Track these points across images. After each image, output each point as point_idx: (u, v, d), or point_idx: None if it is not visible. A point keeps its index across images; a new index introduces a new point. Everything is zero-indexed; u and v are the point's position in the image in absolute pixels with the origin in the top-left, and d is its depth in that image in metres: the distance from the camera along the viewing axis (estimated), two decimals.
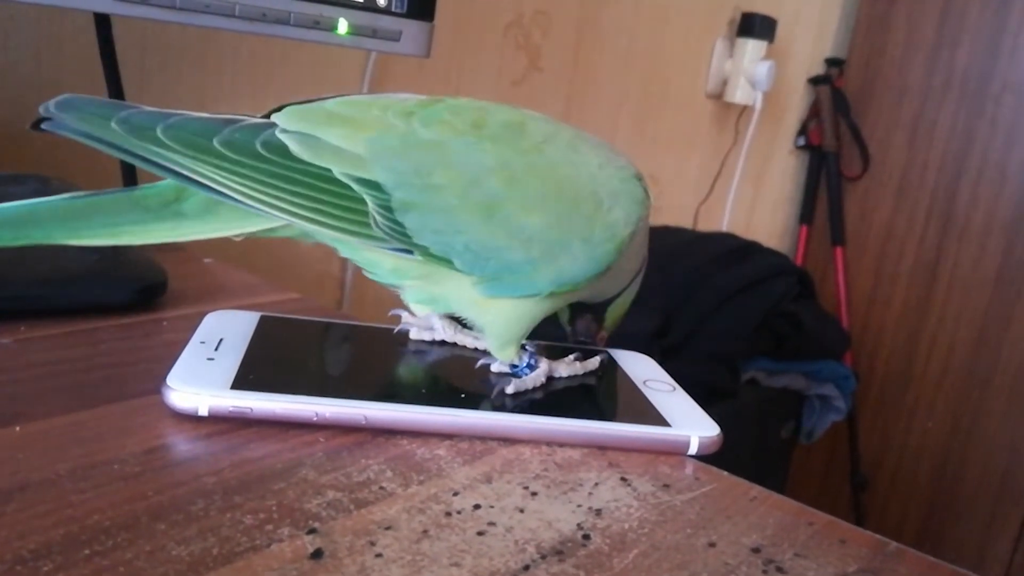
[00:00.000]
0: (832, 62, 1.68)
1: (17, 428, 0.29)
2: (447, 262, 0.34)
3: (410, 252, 0.33)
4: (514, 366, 0.37)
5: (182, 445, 0.29)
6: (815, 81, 1.66)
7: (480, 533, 0.27)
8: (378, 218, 0.32)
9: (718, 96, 1.45)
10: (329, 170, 0.32)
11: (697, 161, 1.47)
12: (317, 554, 0.24)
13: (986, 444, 1.55)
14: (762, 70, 1.37)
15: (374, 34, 0.47)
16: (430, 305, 0.37)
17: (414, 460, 0.31)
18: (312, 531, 0.25)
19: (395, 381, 0.36)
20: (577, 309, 0.42)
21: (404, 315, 0.41)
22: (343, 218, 0.32)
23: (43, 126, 0.31)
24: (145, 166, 0.31)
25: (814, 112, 1.68)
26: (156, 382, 0.33)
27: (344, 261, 0.92)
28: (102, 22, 0.51)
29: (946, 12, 1.56)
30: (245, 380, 0.32)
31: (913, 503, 1.65)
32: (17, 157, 0.64)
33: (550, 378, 0.38)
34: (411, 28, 0.48)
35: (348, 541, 0.25)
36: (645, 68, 1.27)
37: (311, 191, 0.32)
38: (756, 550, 0.28)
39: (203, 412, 0.30)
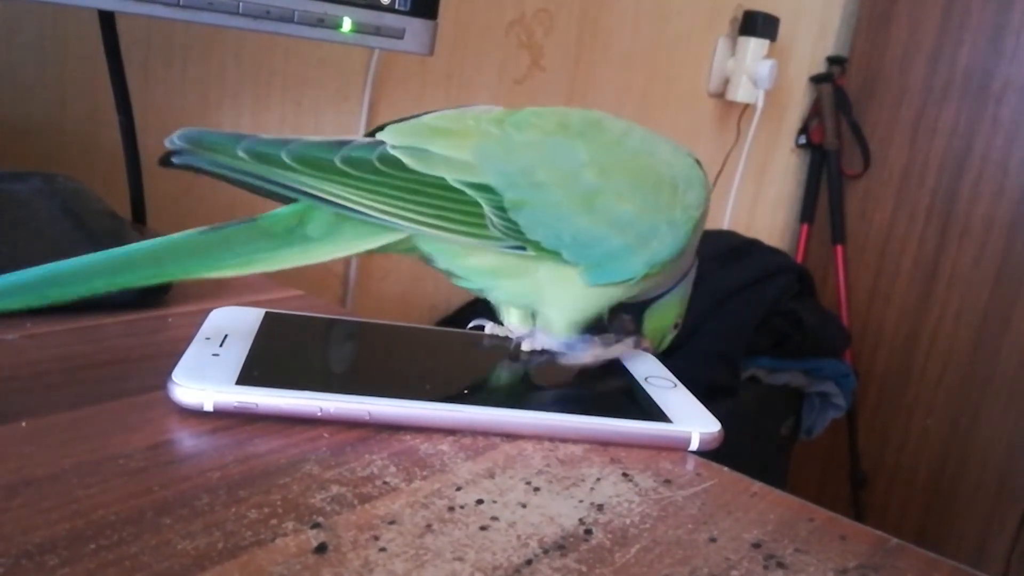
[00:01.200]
0: (834, 60, 1.68)
1: (23, 423, 0.29)
2: (556, 254, 0.36)
3: (523, 248, 0.35)
4: (567, 344, 0.39)
5: (187, 441, 0.29)
6: (817, 79, 1.66)
7: (483, 528, 0.27)
8: (494, 219, 0.34)
9: (720, 94, 1.45)
10: (443, 179, 0.34)
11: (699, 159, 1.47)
12: (321, 548, 0.24)
13: (985, 442, 1.55)
14: (764, 69, 1.37)
15: (377, 32, 0.47)
16: (516, 300, 0.38)
17: (417, 455, 0.31)
18: (316, 526, 0.26)
19: (399, 377, 0.36)
20: (613, 309, 0.43)
21: (488, 326, 0.42)
22: (463, 221, 0.34)
23: (174, 160, 0.32)
24: (274, 189, 0.33)
25: (815, 111, 1.68)
26: (161, 378, 0.33)
27: (348, 259, 0.92)
28: (106, 20, 0.51)
29: (948, 11, 1.56)
30: (250, 376, 0.32)
31: (912, 500, 1.65)
32: (21, 154, 0.64)
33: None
34: (414, 26, 0.48)
35: (352, 535, 0.25)
36: (647, 66, 1.27)
37: (430, 199, 0.34)
38: (757, 545, 0.28)
39: (208, 408, 0.31)
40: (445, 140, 0.35)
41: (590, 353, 0.39)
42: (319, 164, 0.33)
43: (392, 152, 0.34)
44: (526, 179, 0.35)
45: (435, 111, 0.38)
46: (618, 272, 0.37)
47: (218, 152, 0.33)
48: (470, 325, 0.42)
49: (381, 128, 0.36)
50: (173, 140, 0.32)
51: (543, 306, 0.38)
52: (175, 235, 0.33)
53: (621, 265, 0.37)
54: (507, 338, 0.41)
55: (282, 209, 0.35)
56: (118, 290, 0.32)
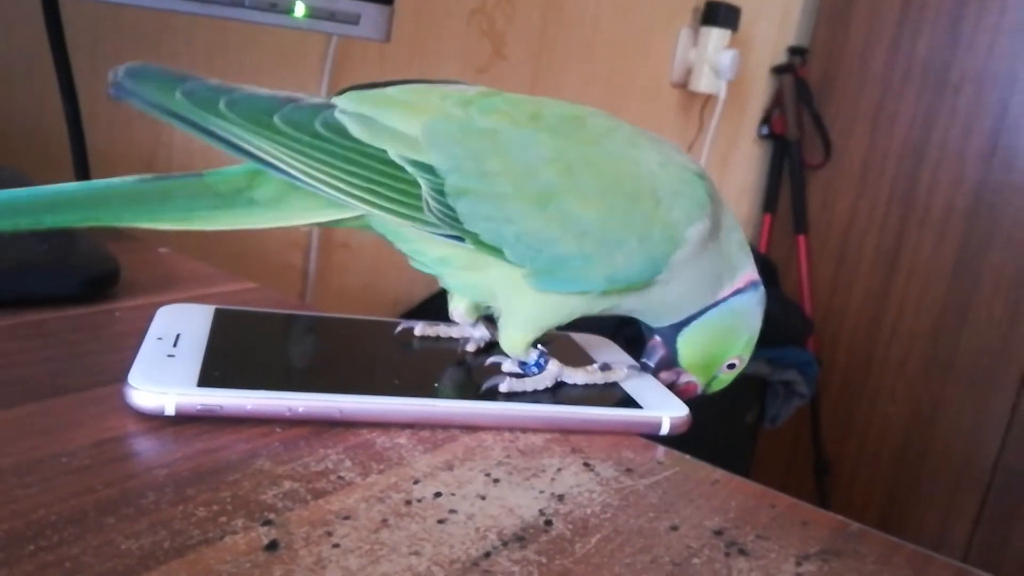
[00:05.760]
0: (795, 51, 1.69)
1: None
2: (497, 251, 0.33)
3: (460, 239, 0.33)
4: (524, 364, 0.36)
5: (133, 438, 0.29)
6: (778, 70, 1.67)
7: (441, 521, 0.26)
8: (431, 202, 0.32)
9: (683, 85, 1.45)
10: (384, 151, 0.32)
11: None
12: (272, 546, 0.24)
13: (946, 429, 1.58)
14: (726, 59, 1.38)
15: (332, 17, 0.46)
16: (469, 293, 0.36)
17: (374, 449, 0.30)
18: (267, 522, 0.25)
19: (363, 372, 0.35)
20: (647, 331, 0.39)
21: (418, 326, 0.40)
22: (396, 200, 0.32)
23: (109, 91, 0.31)
24: (207, 138, 0.31)
25: (777, 101, 1.69)
26: (107, 375, 0.32)
27: (307, 252, 0.91)
28: (50, 5, 0.49)
29: (907, 2, 1.57)
30: (211, 376, 0.31)
31: (875, 487, 1.67)
32: None
33: (560, 383, 0.36)
34: (370, 11, 0.47)
35: (304, 532, 0.25)
36: (610, 57, 1.27)
37: (366, 171, 0.32)
38: (719, 532, 0.28)
39: (170, 411, 0.29)
40: (399, 112, 0.33)
41: (534, 380, 0.35)
42: (257, 119, 0.31)
43: (338, 117, 0.32)
44: (474, 166, 0.32)
45: (410, 82, 0.35)
46: (570, 282, 0.34)
47: (157, 91, 0.31)
48: (398, 329, 0.39)
49: (345, 90, 0.34)
50: (117, 72, 0.31)
51: (497, 310, 0.36)
52: (114, 179, 0.32)
53: (574, 274, 0.33)
54: (438, 338, 0.40)
55: (233, 168, 0.33)
56: (44, 229, 0.31)
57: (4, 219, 0.30)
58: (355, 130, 0.32)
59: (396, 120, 0.32)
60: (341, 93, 0.34)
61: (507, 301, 0.35)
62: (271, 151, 0.31)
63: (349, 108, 0.32)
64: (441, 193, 0.32)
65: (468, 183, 0.32)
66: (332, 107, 0.32)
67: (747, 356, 0.38)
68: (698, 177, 0.35)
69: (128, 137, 0.73)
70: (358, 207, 0.32)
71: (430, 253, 0.35)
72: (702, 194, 0.35)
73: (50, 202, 0.31)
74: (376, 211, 0.32)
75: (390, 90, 0.34)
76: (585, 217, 0.33)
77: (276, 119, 0.31)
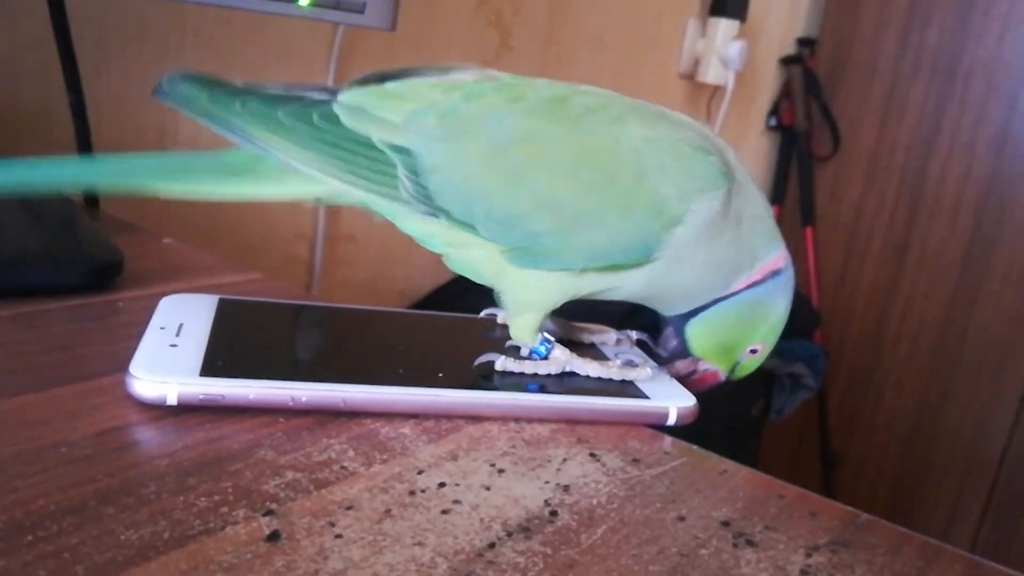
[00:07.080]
0: (804, 42, 1.68)
1: None
2: (471, 227, 0.34)
3: (436, 216, 0.35)
4: (531, 350, 0.36)
5: (134, 427, 0.28)
6: (787, 61, 1.66)
7: (445, 512, 0.26)
8: (405, 181, 0.34)
9: (690, 76, 1.44)
10: (369, 138, 0.35)
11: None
12: (274, 536, 0.23)
13: (953, 420, 1.57)
14: (734, 50, 1.37)
15: (337, 6, 0.45)
16: (465, 272, 0.37)
17: (377, 439, 0.30)
18: (269, 513, 0.25)
19: (367, 361, 0.35)
20: (662, 321, 0.38)
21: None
22: (376, 180, 0.35)
23: (155, 95, 0.36)
24: (224, 131, 0.36)
25: (785, 92, 1.68)
26: (109, 365, 0.32)
27: (312, 244, 0.90)
28: None
29: None
30: (214, 366, 0.31)
31: (882, 480, 1.67)
32: None
33: (570, 373, 0.36)
34: (376, 0, 0.47)
35: (307, 522, 0.24)
36: (617, 47, 1.26)
37: (351, 155, 0.35)
38: (726, 523, 0.27)
39: (172, 401, 0.29)
40: (389, 103, 0.35)
41: (534, 364, 0.35)
42: (265, 115, 0.35)
43: (334, 108, 0.35)
44: (446, 146, 0.34)
45: (417, 73, 0.37)
46: (547, 259, 0.34)
47: (190, 94, 0.35)
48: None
49: (360, 81, 0.37)
50: (163, 77, 0.36)
51: (499, 293, 0.36)
52: (144, 153, 0.36)
53: (549, 251, 0.34)
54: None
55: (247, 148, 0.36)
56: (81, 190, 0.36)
57: (50, 178, 0.35)
58: (346, 120, 0.35)
59: (383, 109, 0.35)
60: (350, 86, 0.37)
61: (497, 282, 0.36)
62: (273, 140, 0.35)
63: (347, 101, 0.35)
64: (415, 172, 0.34)
65: (438, 161, 0.34)
66: (332, 100, 0.36)
67: (771, 341, 0.37)
68: (701, 152, 0.34)
69: (132, 128, 0.73)
70: (344, 187, 0.35)
71: (416, 229, 0.36)
72: (706, 169, 0.33)
73: (89, 168, 0.36)
74: (359, 191, 0.35)
75: (388, 85, 0.36)
76: (557, 194, 0.33)
77: (280, 114, 0.35)
